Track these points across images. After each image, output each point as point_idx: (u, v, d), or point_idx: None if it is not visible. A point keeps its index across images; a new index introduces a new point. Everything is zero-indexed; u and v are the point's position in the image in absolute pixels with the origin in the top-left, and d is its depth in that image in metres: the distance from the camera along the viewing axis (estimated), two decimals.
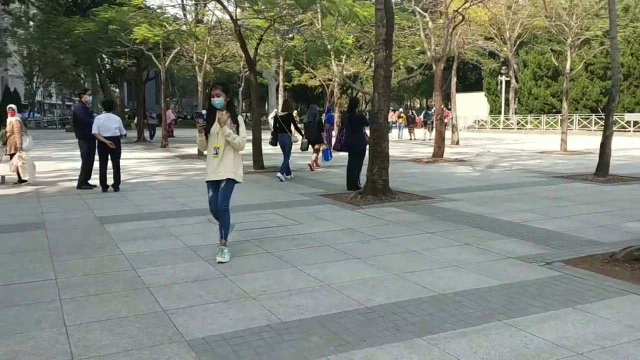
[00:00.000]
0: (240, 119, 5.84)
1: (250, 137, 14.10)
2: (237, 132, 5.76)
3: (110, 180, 11.28)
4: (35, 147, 13.90)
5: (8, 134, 12.43)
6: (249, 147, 18.57)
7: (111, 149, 11.12)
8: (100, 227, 7.62)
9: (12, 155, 12.37)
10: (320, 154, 15.62)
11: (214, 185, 5.89)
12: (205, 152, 6.20)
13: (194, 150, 21.50)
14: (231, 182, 5.86)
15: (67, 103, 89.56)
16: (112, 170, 11.31)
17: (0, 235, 7.19)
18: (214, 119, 5.77)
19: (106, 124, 11.05)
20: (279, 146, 13.71)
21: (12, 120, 12.34)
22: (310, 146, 15.00)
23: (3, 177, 12.82)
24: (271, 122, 33.55)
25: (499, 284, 4.90)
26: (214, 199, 5.92)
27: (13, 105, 12.80)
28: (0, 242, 6.78)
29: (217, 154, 5.75)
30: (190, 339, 3.72)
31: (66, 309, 4.33)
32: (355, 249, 6.21)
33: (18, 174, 12.35)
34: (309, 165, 15.69)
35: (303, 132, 14.61)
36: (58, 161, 18.60)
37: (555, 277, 5.07)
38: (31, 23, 46.13)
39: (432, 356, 3.41)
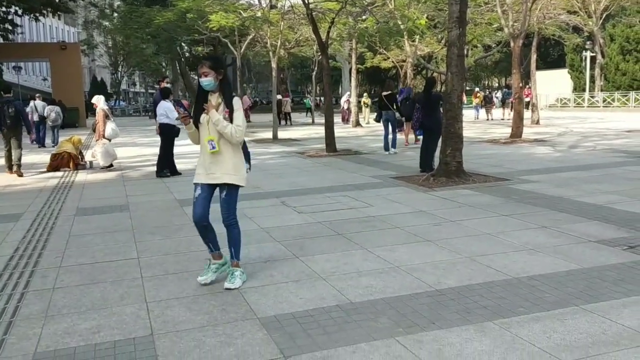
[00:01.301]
0: (236, 102, 4.69)
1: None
2: (231, 120, 4.62)
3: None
4: (120, 135, 14.62)
5: (97, 123, 13.20)
6: (321, 130, 18.88)
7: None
8: (179, 210, 7.96)
9: None
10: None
11: (206, 186, 4.77)
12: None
13: (268, 135, 21.92)
14: (233, 189, 4.74)
15: (150, 91, 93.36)
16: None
17: (88, 217, 7.67)
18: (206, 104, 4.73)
19: (157, 111, 11.72)
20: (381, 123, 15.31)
21: (98, 110, 13.06)
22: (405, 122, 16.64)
23: (91, 162, 13.61)
24: (343, 105, 33.85)
25: (577, 268, 4.72)
26: (201, 201, 4.75)
27: (95, 99, 13.44)
28: (88, 223, 7.25)
29: (214, 147, 4.64)
30: (262, 316, 3.84)
31: (147, 286, 4.58)
32: (426, 232, 6.14)
33: None
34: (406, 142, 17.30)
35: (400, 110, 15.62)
36: (142, 147, 19.50)
37: (638, 262, 4.82)
38: (115, 15, 48.34)
39: (503, 340, 3.34)
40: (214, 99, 4.71)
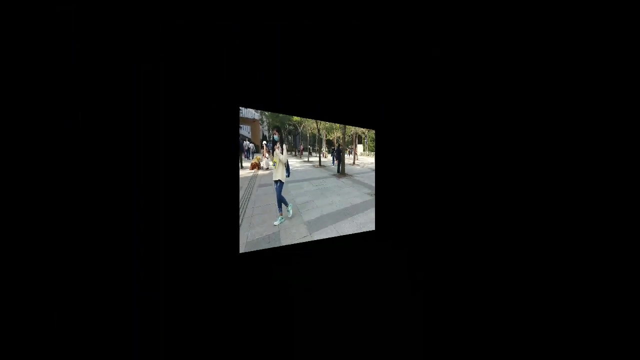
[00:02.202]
0: (284, 147, 2.83)
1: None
2: (282, 154, 3.58)
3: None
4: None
5: (263, 152, 10.04)
6: (316, 159, 16.02)
7: None
8: (286, 186, 4.89)
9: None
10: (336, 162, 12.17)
11: (274, 181, 2.52)
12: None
13: (309, 159, 15.73)
14: (280, 183, 2.85)
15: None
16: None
17: (263, 188, 2.86)
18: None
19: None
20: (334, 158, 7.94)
21: (264, 147, 9.97)
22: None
23: (263, 167, 10.73)
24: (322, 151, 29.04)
25: (362, 201, 3.49)
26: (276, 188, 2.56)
27: (263, 143, 8.48)
28: (263, 191, 2.97)
29: (273, 165, 2.42)
30: (305, 220, 2.51)
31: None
32: (338, 191, 3.87)
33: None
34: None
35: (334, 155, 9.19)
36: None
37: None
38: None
39: (354, 223, 2.58)
40: (278, 145, 2.91)
